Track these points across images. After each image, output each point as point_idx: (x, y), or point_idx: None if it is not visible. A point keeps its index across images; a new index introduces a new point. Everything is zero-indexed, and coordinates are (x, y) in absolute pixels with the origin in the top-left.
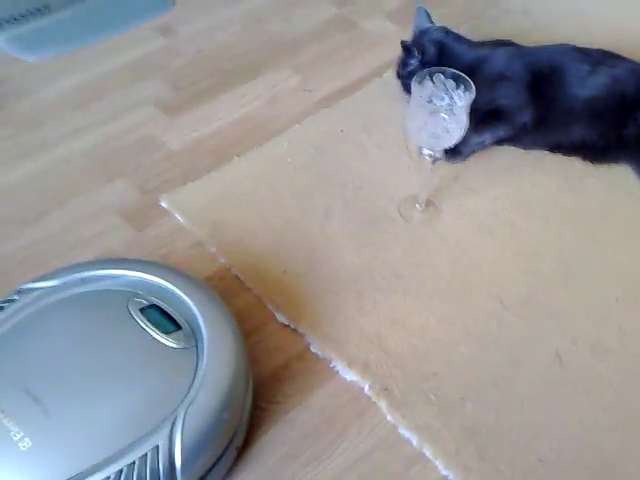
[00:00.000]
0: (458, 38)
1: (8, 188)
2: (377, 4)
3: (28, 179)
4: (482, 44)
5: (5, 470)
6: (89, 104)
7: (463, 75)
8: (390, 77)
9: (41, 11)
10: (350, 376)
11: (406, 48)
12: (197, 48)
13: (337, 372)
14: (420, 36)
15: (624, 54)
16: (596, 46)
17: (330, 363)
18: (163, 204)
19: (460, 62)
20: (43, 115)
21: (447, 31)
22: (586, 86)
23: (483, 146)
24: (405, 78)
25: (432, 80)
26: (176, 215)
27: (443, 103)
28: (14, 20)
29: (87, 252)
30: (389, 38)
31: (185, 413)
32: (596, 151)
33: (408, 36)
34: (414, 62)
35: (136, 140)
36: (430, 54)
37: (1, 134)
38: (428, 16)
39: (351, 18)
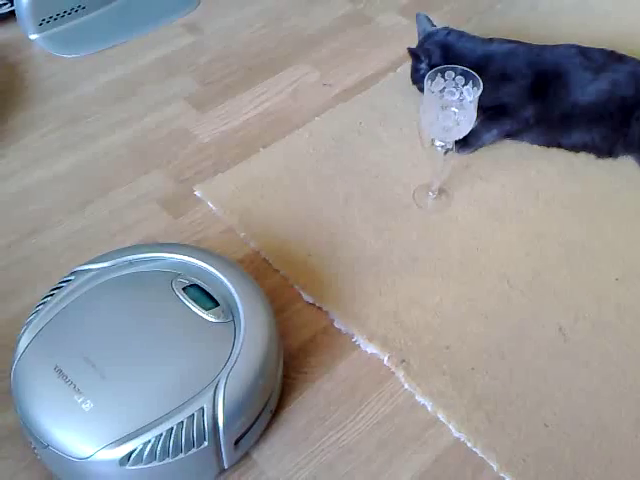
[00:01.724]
0: (461, 37)
1: (54, 178)
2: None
3: (72, 170)
4: (490, 40)
5: (72, 428)
6: (125, 99)
7: (472, 72)
8: (404, 71)
9: (77, 11)
10: (370, 349)
11: (413, 54)
12: (222, 45)
13: (359, 345)
14: (425, 39)
15: (627, 48)
16: (600, 41)
17: (352, 337)
18: (197, 193)
19: (468, 60)
20: (84, 109)
21: (449, 31)
22: (587, 93)
23: (492, 139)
24: (419, 82)
25: (443, 77)
26: (209, 203)
27: (454, 98)
28: (53, 20)
29: (129, 237)
30: (402, 33)
31: (226, 379)
32: (601, 151)
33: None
34: (423, 66)
35: (170, 133)
36: (436, 56)
37: (47, 127)
38: (429, 20)
39: (365, 13)
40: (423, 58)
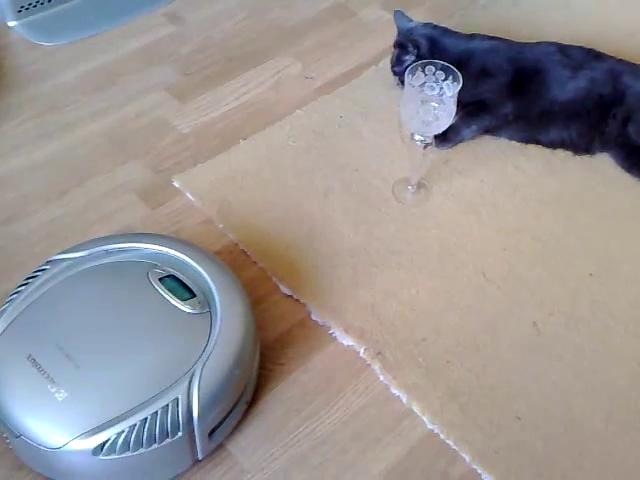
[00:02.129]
0: (446, 32)
1: (32, 167)
2: None
3: (50, 158)
4: (472, 36)
5: (45, 417)
6: (105, 88)
7: (452, 67)
8: (386, 65)
9: None
10: (347, 341)
11: (401, 45)
12: (204, 35)
13: (335, 338)
14: (407, 33)
15: (607, 47)
16: (581, 39)
17: (329, 330)
18: (175, 184)
19: (450, 55)
20: (62, 98)
21: (434, 26)
22: (565, 91)
23: (471, 135)
24: (401, 74)
25: (424, 72)
26: (187, 194)
27: (434, 93)
28: (32, 7)
29: (106, 227)
30: (384, 27)
31: (202, 369)
32: (578, 148)
33: None
34: (409, 57)
35: (149, 123)
36: (424, 48)
37: (24, 115)
38: (406, 16)
39: (349, 7)
40: (411, 49)
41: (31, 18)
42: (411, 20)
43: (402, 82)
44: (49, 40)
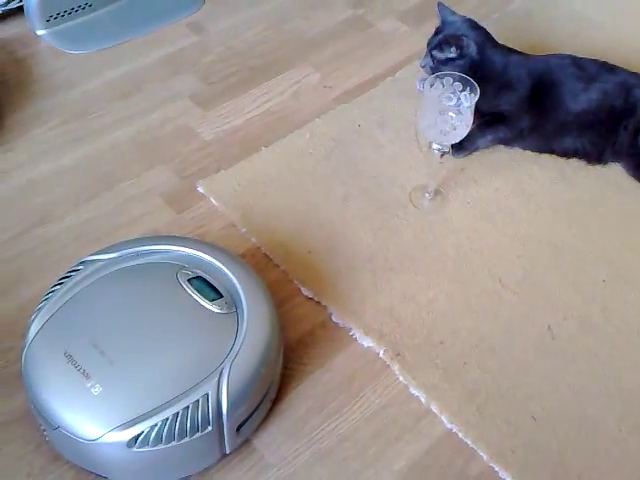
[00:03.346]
0: (494, 43)
1: (61, 171)
2: (390, 5)
3: (78, 164)
4: (510, 50)
5: (82, 411)
6: (130, 96)
7: (469, 78)
8: (403, 76)
9: (84, 8)
10: (367, 343)
11: (449, 39)
12: (226, 46)
13: (355, 339)
14: (455, 29)
15: (620, 59)
16: (594, 51)
17: (349, 331)
18: (200, 189)
19: (493, 68)
20: (90, 105)
21: (477, 25)
22: (579, 102)
23: (485, 145)
24: (437, 62)
25: (442, 83)
26: (211, 199)
27: (451, 103)
28: (60, 16)
29: (134, 230)
30: (401, 38)
31: (230, 367)
32: (591, 158)
33: (419, 37)
34: (452, 53)
35: (173, 130)
36: (472, 52)
37: (53, 121)
38: (449, 9)
39: (366, 18)
40: (456, 48)
41: (59, 27)
42: (454, 13)
43: (433, 70)
44: (76, 48)
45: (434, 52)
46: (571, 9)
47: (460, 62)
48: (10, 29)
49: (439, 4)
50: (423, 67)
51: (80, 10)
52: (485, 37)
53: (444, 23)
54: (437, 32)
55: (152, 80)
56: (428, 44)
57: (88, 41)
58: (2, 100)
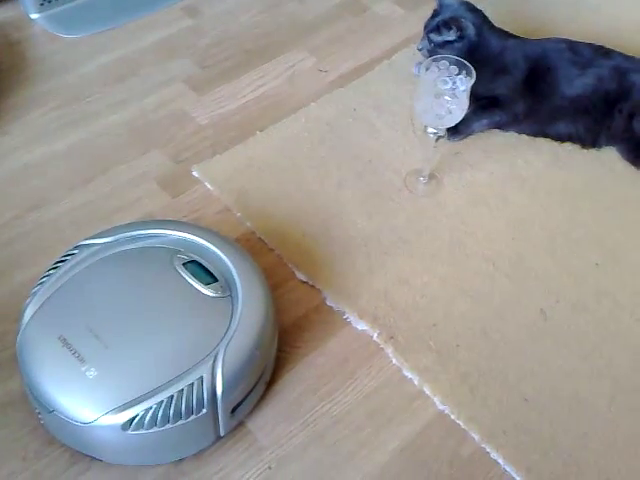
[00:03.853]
0: (491, 26)
1: (56, 156)
2: None
3: (73, 148)
4: (507, 34)
5: (77, 394)
6: (125, 79)
7: (465, 62)
8: (398, 59)
9: None
10: (361, 326)
11: (448, 22)
12: (221, 29)
13: (349, 322)
14: (452, 11)
15: (615, 41)
16: (590, 34)
17: (343, 315)
18: (194, 173)
19: (489, 50)
20: (84, 89)
21: (475, 8)
22: (574, 86)
23: (481, 129)
24: (433, 44)
25: (438, 66)
26: (206, 184)
27: (447, 87)
28: (54, 0)
29: (129, 215)
30: (397, 22)
31: (225, 350)
32: (585, 142)
33: (415, 20)
34: (450, 35)
35: (168, 114)
36: (470, 34)
37: (47, 106)
38: None
39: (362, 2)
40: (455, 29)
41: (53, 11)
42: None
43: (431, 52)
44: (70, 32)
45: (431, 35)
46: None
47: (458, 45)
48: (4, 13)
49: None
50: (420, 50)
51: None
52: (482, 20)
53: (441, 6)
54: (434, 15)
55: (147, 64)
56: (425, 27)
57: (82, 25)
58: None
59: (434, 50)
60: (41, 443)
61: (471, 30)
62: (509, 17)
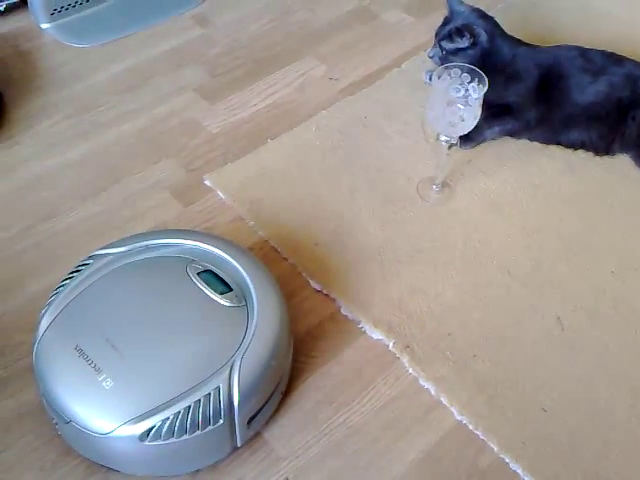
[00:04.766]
0: (502, 33)
1: (67, 166)
2: None
3: (85, 157)
4: (519, 41)
5: (94, 405)
6: (136, 89)
7: (477, 70)
8: (408, 67)
9: (88, 1)
10: (376, 335)
11: (461, 29)
12: (231, 38)
13: (364, 332)
14: (464, 19)
15: (626, 48)
16: (601, 41)
17: (358, 324)
18: (207, 182)
19: (501, 57)
20: (95, 98)
21: (485, 15)
22: (586, 94)
23: (493, 136)
24: (446, 52)
25: (450, 74)
26: (218, 192)
27: (459, 95)
28: (65, 9)
29: (142, 224)
30: (406, 30)
31: (241, 360)
32: (599, 149)
33: (425, 28)
34: (463, 42)
35: (180, 123)
36: (483, 41)
37: (58, 115)
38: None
39: (371, 10)
40: (468, 36)
41: (63, 20)
42: (462, 2)
43: (443, 60)
44: (81, 42)
45: (443, 43)
46: None
47: (471, 52)
48: (14, 23)
49: None
50: (431, 57)
51: (84, 3)
52: (494, 27)
53: (452, 13)
54: (445, 22)
55: (158, 73)
56: (436, 35)
57: (93, 34)
58: (7, 94)
59: (446, 58)
60: (58, 454)
61: (483, 37)
62: (519, 24)
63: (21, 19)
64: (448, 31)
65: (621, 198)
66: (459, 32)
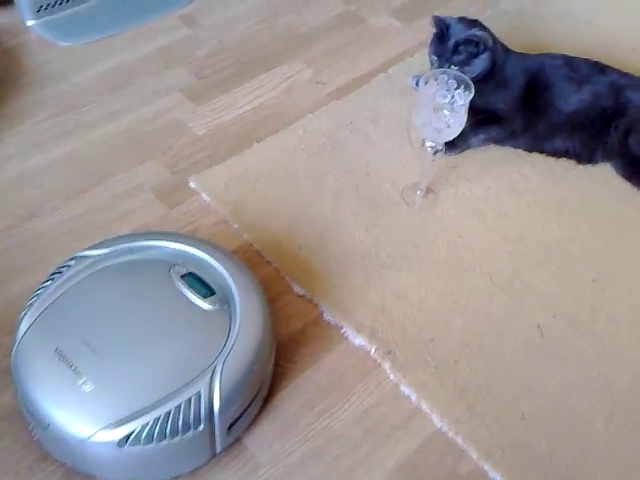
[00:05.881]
0: (495, 39)
1: (51, 165)
2: (383, 1)
3: (69, 157)
4: (506, 48)
5: (73, 409)
6: (121, 89)
7: (464, 76)
8: (395, 72)
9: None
10: (358, 340)
11: (470, 40)
12: (218, 39)
13: (347, 337)
14: (451, 30)
15: (610, 57)
16: (586, 49)
17: (341, 329)
18: (191, 184)
19: (497, 61)
20: (80, 97)
21: (482, 24)
22: (570, 102)
23: (478, 144)
24: (460, 63)
25: (436, 80)
26: (203, 195)
27: (446, 101)
28: (51, 7)
29: (125, 225)
30: (394, 34)
31: (223, 365)
32: (581, 157)
33: (412, 33)
34: (479, 51)
35: (165, 124)
36: (491, 43)
37: (43, 114)
38: (442, 16)
39: (359, 14)
40: (482, 45)
41: (49, 18)
42: (446, 16)
43: (469, 74)
44: (67, 40)
45: (455, 58)
46: (562, 7)
47: (484, 56)
48: None
49: (433, 16)
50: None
51: (71, 1)
52: (489, 32)
53: (443, 28)
54: (441, 39)
55: (143, 73)
56: (439, 55)
57: (79, 33)
58: None
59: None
60: (35, 459)
61: (489, 39)
62: (506, 32)
63: (6, 15)
64: (454, 45)
65: (602, 206)
66: (468, 42)
